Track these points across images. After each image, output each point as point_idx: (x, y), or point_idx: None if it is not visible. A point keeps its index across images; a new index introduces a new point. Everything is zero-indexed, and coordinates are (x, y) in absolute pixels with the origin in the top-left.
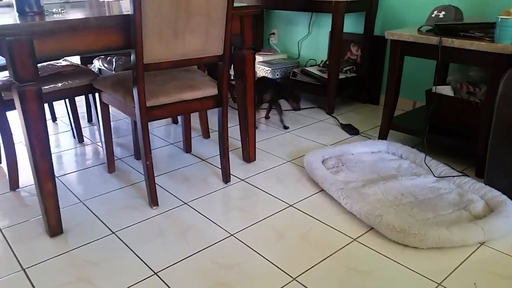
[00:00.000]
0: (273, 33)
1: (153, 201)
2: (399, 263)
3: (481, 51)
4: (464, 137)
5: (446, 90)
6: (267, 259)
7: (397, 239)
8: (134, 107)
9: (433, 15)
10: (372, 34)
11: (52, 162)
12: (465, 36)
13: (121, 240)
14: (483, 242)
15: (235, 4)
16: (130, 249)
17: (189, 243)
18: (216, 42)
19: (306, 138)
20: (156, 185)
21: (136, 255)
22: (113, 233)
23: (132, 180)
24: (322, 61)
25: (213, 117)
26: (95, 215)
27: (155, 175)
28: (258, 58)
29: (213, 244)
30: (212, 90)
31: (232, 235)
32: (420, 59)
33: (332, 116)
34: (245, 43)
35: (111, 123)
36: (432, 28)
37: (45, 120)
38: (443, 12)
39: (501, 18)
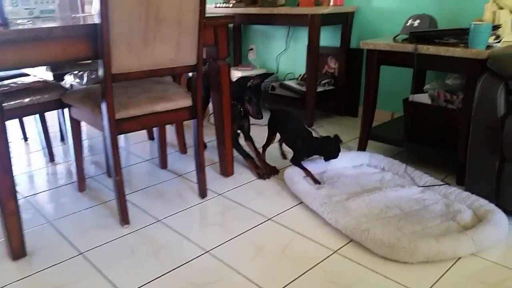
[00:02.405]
0: (251, 49)
1: (124, 219)
2: (382, 275)
3: (456, 57)
4: (443, 144)
5: (423, 98)
6: (244, 276)
7: (386, 254)
8: (103, 119)
9: (408, 24)
10: (349, 47)
11: (14, 179)
12: (440, 43)
13: (89, 261)
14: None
15: (209, 15)
16: (98, 270)
17: (162, 262)
18: (188, 51)
19: (287, 151)
20: (128, 202)
21: (105, 277)
22: (81, 254)
23: (103, 198)
24: (300, 75)
25: (191, 132)
26: (63, 236)
27: (128, 193)
28: (237, 73)
29: (187, 262)
30: (186, 102)
31: (207, 251)
32: (397, 70)
33: (312, 129)
34: (219, 54)
35: (86, 141)
36: (407, 37)
37: (6, 135)
38: (417, 21)
39: (474, 24)
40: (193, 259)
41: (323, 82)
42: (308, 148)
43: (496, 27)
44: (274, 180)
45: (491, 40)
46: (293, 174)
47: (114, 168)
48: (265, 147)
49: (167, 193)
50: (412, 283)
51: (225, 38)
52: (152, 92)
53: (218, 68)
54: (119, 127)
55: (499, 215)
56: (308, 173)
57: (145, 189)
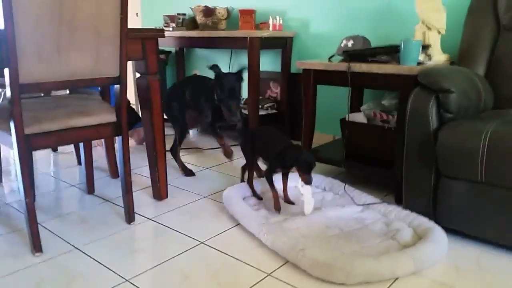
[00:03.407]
0: (195, 74)
1: (36, 246)
2: None
3: (389, 74)
4: (381, 163)
5: (359, 117)
6: None
7: (322, 275)
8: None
9: (342, 45)
10: (290, 72)
11: None
12: (373, 61)
13: None
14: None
15: (136, 26)
16: None
17: None
18: (109, 62)
19: (227, 174)
20: (44, 230)
21: None
22: None
23: (16, 225)
24: (243, 98)
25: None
26: None
27: (46, 219)
28: None
29: None
30: (108, 117)
31: (127, 280)
32: (337, 93)
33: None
34: (148, 68)
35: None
36: (343, 58)
37: None
38: (351, 41)
39: (404, 40)
40: None
41: (266, 105)
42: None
43: (426, 47)
44: (211, 203)
45: (421, 58)
46: (231, 194)
47: (24, 189)
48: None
49: (91, 219)
50: None
51: (154, 53)
52: (71, 107)
53: (147, 83)
54: (30, 142)
55: (438, 233)
56: (274, 194)
57: (67, 215)
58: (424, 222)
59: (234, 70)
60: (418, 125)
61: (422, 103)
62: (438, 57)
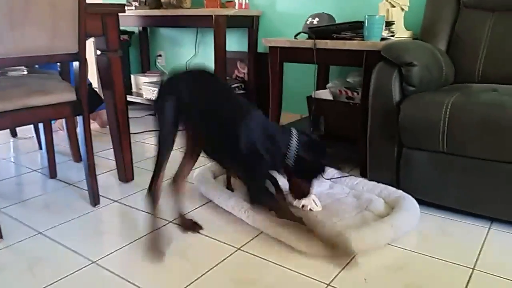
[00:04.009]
0: (160, 55)
1: None
2: (286, 268)
3: (354, 50)
4: (347, 139)
5: (325, 94)
6: (134, 284)
7: (307, 249)
8: None
9: (308, 22)
10: (257, 51)
11: None
12: (338, 37)
13: None
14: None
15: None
16: None
17: (37, 277)
18: (67, 38)
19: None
20: (4, 215)
21: None
22: None
23: None
24: None
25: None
26: None
27: (6, 205)
28: (144, 79)
29: (69, 275)
30: (68, 96)
31: (93, 262)
32: (304, 72)
33: None
34: (109, 45)
35: None
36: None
37: None
38: (316, 19)
39: (368, 16)
40: (75, 272)
41: (233, 86)
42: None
43: (389, 24)
44: None
45: (385, 33)
46: (202, 174)
47: None
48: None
49: (54, 204)
50: (317, 272)
51: (115, 28)
52: (28, 86)
53: (108, 61)
54: None
55: (410, 201)
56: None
57: (28, 200)
58: (392, 192)
59: (200, 49)
60: (381, 98)
61: (385, 77)
62: (402, 33)
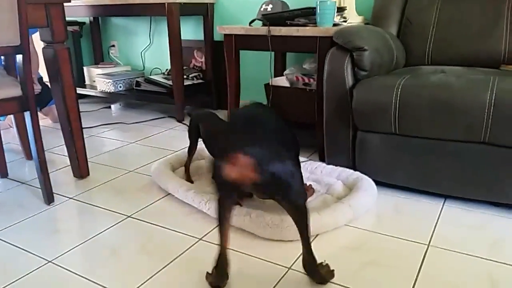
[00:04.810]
0: (113, 45)
1: None
2: (248, 255)
3: (307, 36)
4: (305, 125)
5: (282, 81)
6: (93, 282)
7: (271, 236)
8: None
9: (262, 9)
10: (213, 39)
11: None
12: (291, 24)
13: None
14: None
15: None
16: None
17: None
18: (8, 30)
19: (153, 146)
20: None
21: None
22: None
23: None
24: (167, 69)
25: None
26: None
27: None
28: (97, 71)
29: (22, 277)
30: (13, 91)
31: (50, 261)
32: (260, 61)
33: (183, 123)
34: (55, 36)
35: None
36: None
37: None
38: (270, 6)
39: (320, 2)
40: (30, 273)
41: (191, 75)
42: None
43: (341, 9)
44: (138, 177)
45: (337, 19)
46: (160, 166)
47: None
48: None
49: (5, 204)
50: (278, 257)
51: (61, 19)
52: None
53: (54, 53)
54: None
55: (367, 181)
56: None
57: None
58: (350, 174)
59: (155, 39)
60: (335, 83)
61: (337, 62)
62: (354, 18)
